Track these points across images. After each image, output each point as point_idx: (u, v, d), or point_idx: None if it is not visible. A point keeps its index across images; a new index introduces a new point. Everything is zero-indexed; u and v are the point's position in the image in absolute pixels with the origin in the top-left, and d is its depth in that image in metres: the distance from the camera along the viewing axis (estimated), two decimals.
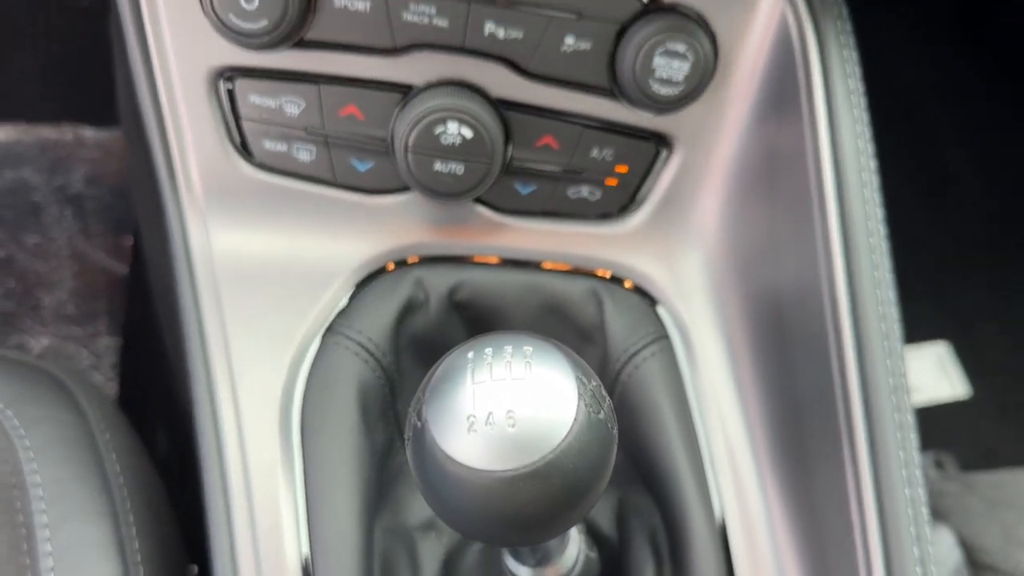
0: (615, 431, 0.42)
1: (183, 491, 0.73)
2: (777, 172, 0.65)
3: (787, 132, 0.64)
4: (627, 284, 0.72)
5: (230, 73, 0.63)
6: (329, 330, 0.67)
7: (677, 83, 0.62)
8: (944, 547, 1.02)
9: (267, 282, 0.67)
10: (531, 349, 0.40)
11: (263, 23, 0.59)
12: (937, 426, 1.49)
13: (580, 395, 0.40)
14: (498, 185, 0.67)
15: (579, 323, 0.72)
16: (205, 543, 0.62)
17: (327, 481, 0.62)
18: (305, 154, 0.66)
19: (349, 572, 0.60)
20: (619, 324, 0.70)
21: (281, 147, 0.66)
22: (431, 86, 0.64)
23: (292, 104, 0.64)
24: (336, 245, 0.69)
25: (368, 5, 0.60)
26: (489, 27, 0.62)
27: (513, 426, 0.38)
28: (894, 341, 0.59)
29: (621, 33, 0.62)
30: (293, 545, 0.61)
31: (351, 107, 0.64)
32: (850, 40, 0.62)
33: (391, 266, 0.70)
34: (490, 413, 0.39)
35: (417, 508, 0.68)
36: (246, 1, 0.58)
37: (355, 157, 0.66)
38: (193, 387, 0.66)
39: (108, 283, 1.33)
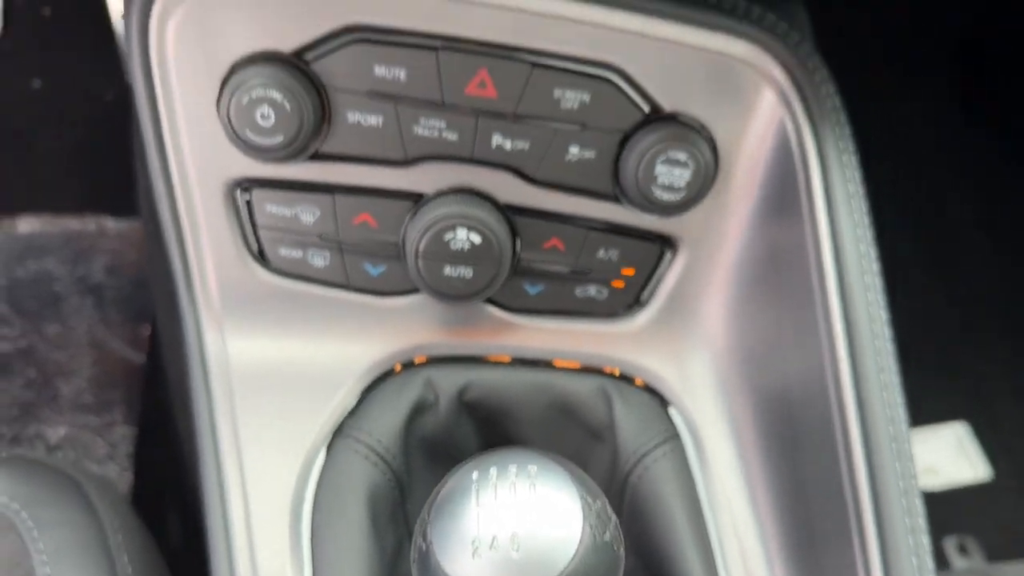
0: (621, 551, 0.42)
1: None
2: (781, 272, 0.67)
3: (789, 233, 0.65)
4: (637, 382, 0.73)
5: (247, 184, 0.66)
6: (339, 433, 0.68)
7: (679, 189, 0.64)
8: None
9: (279, 385, 0.68)
10: (535, 468, 0.41)
11: (279, 139, 0.61)
12: (960, 509, 1.46)
13: (585, 517, 0.40)
14: (507, 285, 0.69)
15: (589, 422, 0.72)
16: None
17: None
18: (319, 260, 0.68)
19: None
20: (629, 424, 0.70)
21: (296, 253, 0.68)
22: (441, 194, 0.66)
23: (308, 213, 0.66)
24: (347, 347, 0.70)
25: (381, 120, 0.63)
26: (496, 139, 0.64)
27: (517, 550, 0.39)
28: (903, 443, 0.59)
29: (624, 141, 0.64)
30: None
31: (365, 215, 0.66)
32: (849, 145, 0.64)
33: (398, 367, 0.72)
34: (494, 537, 0.39)
35: None
36: (263, 118, 0.61)
37: (368, 262, 0.68)
38: (205, 489, 0.66)
39: (126, 372, 1.35)
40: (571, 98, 0.63)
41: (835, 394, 0.60)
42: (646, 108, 0.63)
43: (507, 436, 0.74)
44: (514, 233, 0.67)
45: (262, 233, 0.67)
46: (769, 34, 0.61)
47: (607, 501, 0.43)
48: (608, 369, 0.73)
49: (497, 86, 0.62)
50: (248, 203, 0.66)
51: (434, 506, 0.42)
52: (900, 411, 0.60)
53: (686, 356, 0.72)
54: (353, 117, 0.63)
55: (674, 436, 0.70)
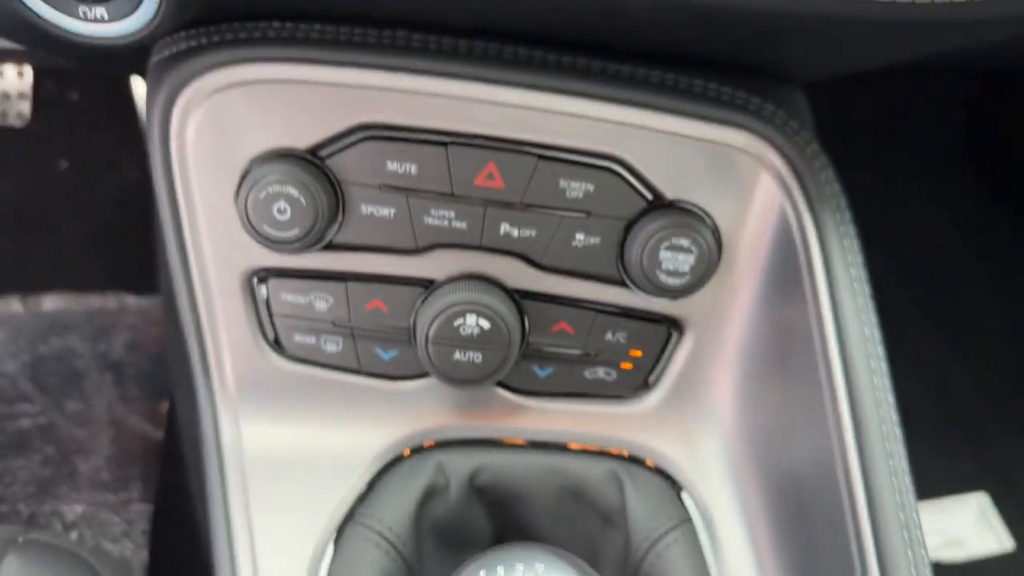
0: None
1: None
2: (787, 355, 0.67)
3: (794, 316, 0.66)
4: (648, 464, 0.73)
5: (264, 273, 0.68)
6: (350, 519, 0.69)
7: (683, 274, 0.65)
8: None
9: (292, 471, 0.69)
10: (542, 567, 0.42)
11: (295, 231, 0.63)
12: None
13: None
14: (517, 368, 0.70)
15: (601, 506, 0.72)
16: None
17: None
18: (332, 345, 0.69)
19: None
20: (641, 508, 0.70)
21: (310, 340, 0.69)
22: (451, 280, 0.68)
23: (321, 300, 0.68)
24: (359, 432, 0.71)
25: (393, 211, 0.65)
26: (504, 227, 0.66)
27: None
28: (914, 530, 0.59)
29: (628, 228, 0.66)
30: None
31: (376, 301, 0.68)
32: (850, 229, 0.65)
33: (407, 452, 0.73)
34: None
35: None
36: (279, 212, 0.63)
37: (379, 346, 0.70)
38: (218, 574, 0.67)
39: (143, 449, 1.36)
40: (576, 188, 0.65)
41: (844, 480, 0.61)
42: (649, 196, 0.65)
43: (519, 521, 0.74)
44: (523, 317, 0.69)
45: (278, 321, 0.69)
46: (766, 124, 0.63)
47: None
48: (619, 452, 0.74)
49: (504, 178, 0.64)
50: (265, 292, 0.68)
51: None
52: (910, 497, 0.60)
53: (696, 438, 0.73)
54: (366, 209, 0.65)
55: (686, 520, 0.70)
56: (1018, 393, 1.61)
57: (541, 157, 0.64)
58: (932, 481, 1.47)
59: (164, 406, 1.40)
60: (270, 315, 0.69)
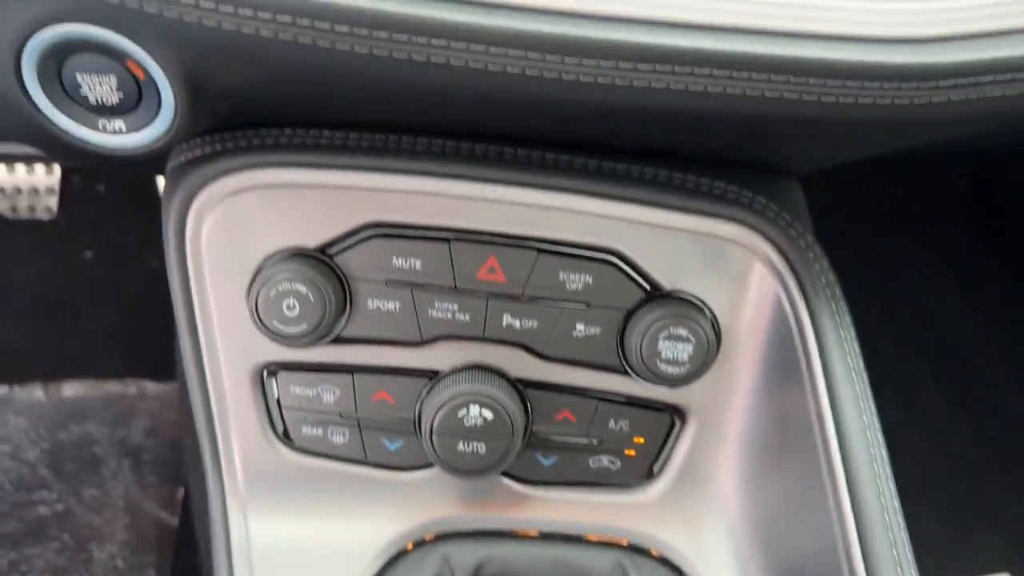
0: None
1: None
2: (788, 443, 0.68)
3: (794, 404, 0.67)
4: (653, 553, 0.73)
5: (274, 367, 0.70)
6: None
7: (682, 363, 0.66)
8: None
9: (300, 564, 0.70)
10: None
11: (303, 327, 0.65)
12: None
13: None
14: (521, 458, 0.71)
15: None
16: None
17: None
18: (339, 437, 0.71)
19: None
20: None
21: (318, 432, 0.71)
22: (455, 370, 0.69)
23: (328, 392, 0.70)
24: (365, 524, 0.72)
25: (398, 305, 0.67)
26: (506, 319, 0.68)
27: None
28: None
29: (628, 317, 0.68)
30: None
31: (382, 393, 0.70)
32: (846, 319, 0.66)
33: (410, 546, 0.73)
34: None
35: None
36: (288, 309, 0.65)
37: (385, 437, 0.71)
38: None
39: (159, 535, 1.36)
40: (575, 280, 0.67)
41: (847, 570, 0.60)
42: (647, 287, 0.67)
43: None
44: (526, 406, 0.70)
45: (287, 413, 0.70)
46: (758, 216, 0.65)
47: None
48: (624, 541, 0.74)
49: (505, 271, 0.67)
50: (274, 385, 0.70)
51: None
52: None
53: (701, 527, 0.73)
54: (373, 304, 0.67)
55: None
56: None
57: (541, 251, 0.66)
58: (951, 559, 1.44)
59: (180, 492, 1.40)
60: (279, 408, 0.70)
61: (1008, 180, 1.74)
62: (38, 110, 0.58)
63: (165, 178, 0.67)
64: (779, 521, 0.69)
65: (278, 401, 0.70)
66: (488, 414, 0.67)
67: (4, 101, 0.59)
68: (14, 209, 1.51)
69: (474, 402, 0.67)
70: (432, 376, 0.70)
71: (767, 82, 0.51)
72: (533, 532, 0.74)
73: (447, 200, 0.65)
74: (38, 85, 0.57)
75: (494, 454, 0.68)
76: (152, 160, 0.64)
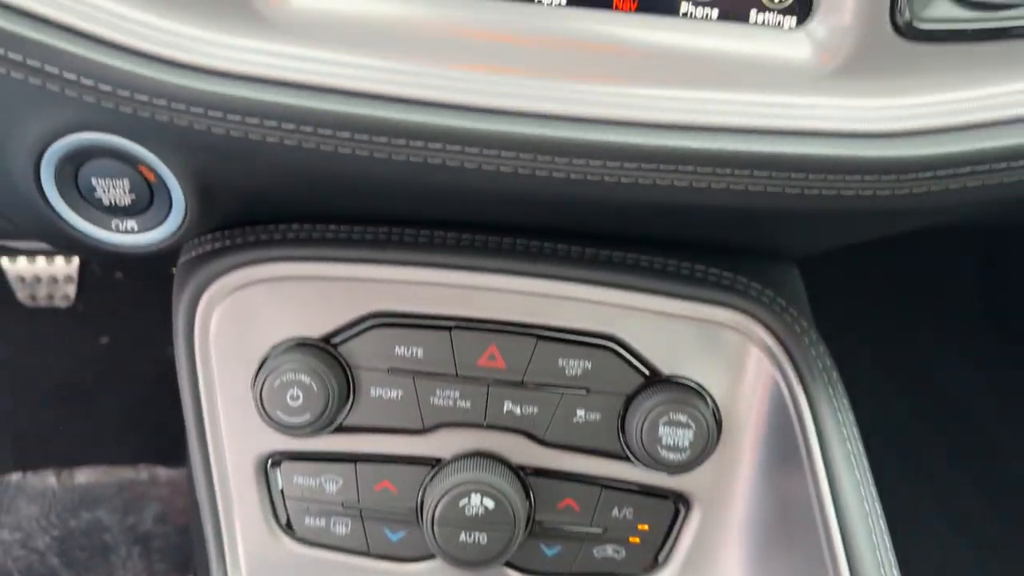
0: None
1: None
2: (792, 529, 0.67)
3: (795, 489, 0.66)
4: None
5: (278, 457, 0.70)
6: None
7: (683, 449, 0.66)
8: None
9: None
10: None
11: (307, 416, 0.66)
12: None
13: None
14: (524, 548, 0.70)
15: None
16: None
17: None
18: (342, 527, 0.71)
19: None
20: None
21: (320, 522, 0.71)
22: (457, 458, 0.69)
23: (331, 482, 0.70)
24: None
25: (400, 393, 0.68)
26: (507, 405, 0.68)
27: None
28: None
29: (628, 403, 0.68)
30: None
31: (385, 482, 0.70)
32: (844, 403, 0.66)
33: None
34: None
35: None
36: (292, 399, 0.66)
37: (388, 528, 0.71)
38: None
39: None
40: (575, 366, 0.68)
41: None
42: (646, 372, 0.68)
43: None
44: (528, 494, 0.70)
45: (290, 504, 0.71)
46: (753, 301, 0.66)
47: None
48: None
49: (506, 358, 0.68)
50: (278, 476, 0.70)
51: None
52: None
53: None
54: (375, 392, 0.68)
55: None
56: None
57: (540, 338, 0.67)
58: None
59: None
60: (283, 498, 0.71)
61: (1021, 253, 1.74)
62: (55, 212, 0.61)
63: (176, 272, 0.69)
64: None
65: (281, 491, 0.71)
66: (490, 503, 0.67)
67: (24, 203, 0.61)
68: (33, 298, 1.54)
69: (475, 491, 0.67)
70: (434, 464, 0.70)
71: (750, 177, 0.53)
72: None
73: (447, 289, 0.67)
74: (55, 189, 0.59)
75: (496, 544, 0.67)
76: (164, 255, 0.66)
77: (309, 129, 0.52)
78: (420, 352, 0.68)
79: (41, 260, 1.48)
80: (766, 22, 0.53)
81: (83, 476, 1.52)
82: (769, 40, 0.53)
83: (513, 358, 0.68)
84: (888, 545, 0.62)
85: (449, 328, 0.67)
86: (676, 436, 0.66)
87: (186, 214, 0.61)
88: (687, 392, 0.67)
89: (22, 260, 1.48)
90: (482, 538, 0.67)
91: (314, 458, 0.70)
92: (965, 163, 0.53)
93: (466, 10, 0.53)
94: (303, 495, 0.70)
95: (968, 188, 0.54)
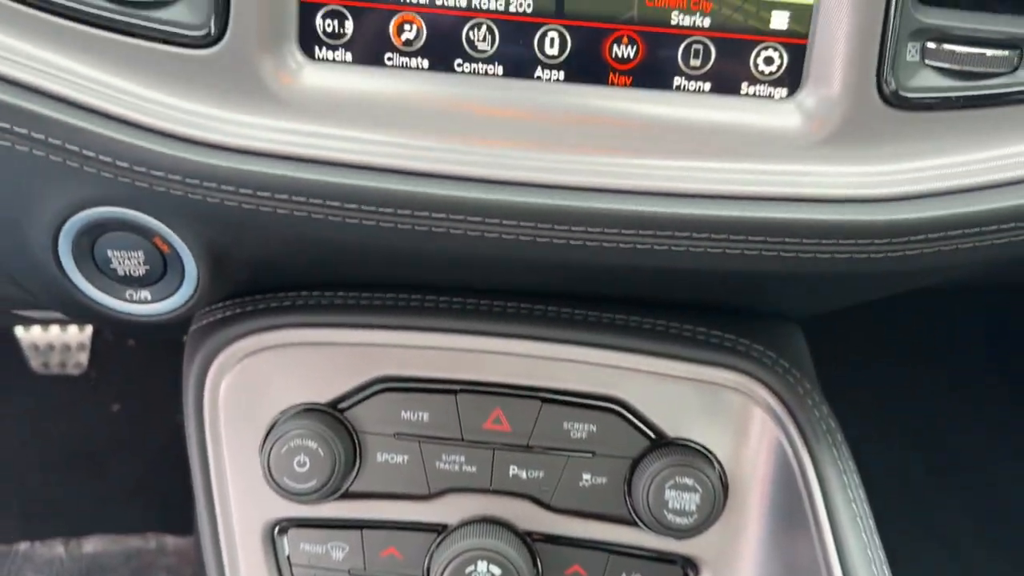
0: None
1: None
2: None
3: (802, 553, 0.66)
4: None
5: (285, 524, 0.71)
6: None
7: (690, 513, 0.66)
8: None
9: None
10: None
11: (313, 482, 0.67)
12: None
13: None
14: None
15: None
16: None
17: None
18: None
19: None
20: None
21: None
22: (464, 524, 0.69)
23: (338, 549, 0.70)
24: None
25: (406, 458, 0.69)
26: (513, 470, 0.69)
27: None
28: None
29: (634, 466, 0.68)
30: None
31: (391, 549, 0.70)
32: (849, 464, 0.66)
33: None
34: None
35: None
36: (299, 465, 0.67)
37: None
38: None
39: None
40: (580, 429, 0.68)
41: None
42: (651, 435, 0.68)
43: None
44: (536, 561, 0.69)
45: (296, 572, 0.71)
46: (755, 363, 0.67)
47: None
48: None
49: (511, 421, 0.68)
50: (285, 543, 0.70)
51: None
52: None
53: None
54: (382, 457, 0.69)
55: None
56: None
57: (545, 401, 0.68)
58: None
59: None
60: (289, 566, 0.71)
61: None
62: (71, 282, 0.63)
63: (187, 340, 0.70)
64: None
65: (288, 559, 0.71)
66: (496, 570, 0.67)
67: (41, 274, 0.63)
68: (46, 365, 1.55)
69: (482, 558, 0.67)
70: (440, 530, 0.70)
71: (745, 242, 0.54)
72: None
73: (453, 353, 0.68)
74: (72, 260, 0.61)
75: None
76: (175, 324, 0.68)
77: (318, 201, 0.54)
78: (426, 416, 0.68)
79: (55, 328, 1.51)
80: (757, 93, 0.55)
81: (91, 545, 1.51)
82: (760, 110, 0.55)
83: (518, 422, 0.68)
84: None
85: (455, 392, 0.68)
86: (682, 500, 0.66)
87: (198, 284, 0.63)
88: (693, 455, 0.67)
89: (36, 328, 1.50)
90: None
91: (321, 525, 0.70)
92: (956, 226, 0.54)
93: (468, 87, 0.55)
94: (310, 562, 0.70)
95: (960, 250, 0.55)
